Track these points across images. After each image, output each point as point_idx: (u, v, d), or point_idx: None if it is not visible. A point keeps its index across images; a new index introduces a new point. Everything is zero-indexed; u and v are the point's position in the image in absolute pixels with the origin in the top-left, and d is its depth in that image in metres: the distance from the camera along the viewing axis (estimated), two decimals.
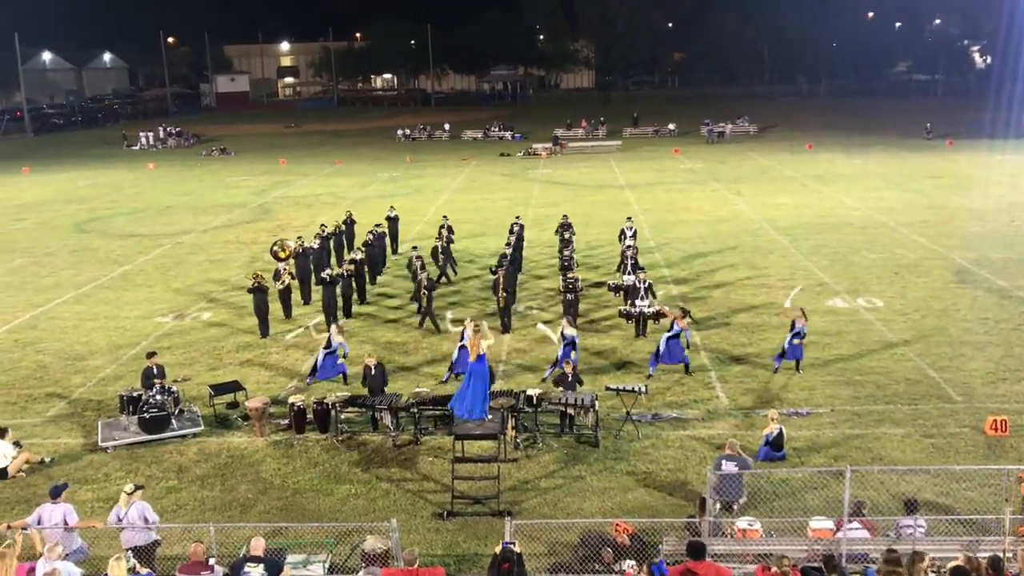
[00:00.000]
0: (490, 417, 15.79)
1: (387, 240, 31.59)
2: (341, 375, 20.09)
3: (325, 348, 19.89)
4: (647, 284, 23.43)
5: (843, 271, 28.52)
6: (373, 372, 18.58)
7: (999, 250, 30.28)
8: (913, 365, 20.27)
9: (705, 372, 20.32)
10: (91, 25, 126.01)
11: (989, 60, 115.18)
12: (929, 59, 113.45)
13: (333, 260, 29.20)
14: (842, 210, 38.22)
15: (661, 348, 20.04)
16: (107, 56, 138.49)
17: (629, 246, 27.62)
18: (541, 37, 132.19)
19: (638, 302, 22.91)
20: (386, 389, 18.70)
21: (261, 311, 23.81)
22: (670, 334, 20.03)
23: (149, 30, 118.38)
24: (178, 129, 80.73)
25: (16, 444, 16.66)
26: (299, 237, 25.46)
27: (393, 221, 33.30)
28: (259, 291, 23.63)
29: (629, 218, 31.43)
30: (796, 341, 20.00)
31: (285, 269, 25.25)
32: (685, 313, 20.92)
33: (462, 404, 15.98)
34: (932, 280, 26.94)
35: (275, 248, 26.26)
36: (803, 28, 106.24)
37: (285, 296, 25.07)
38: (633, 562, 12.30)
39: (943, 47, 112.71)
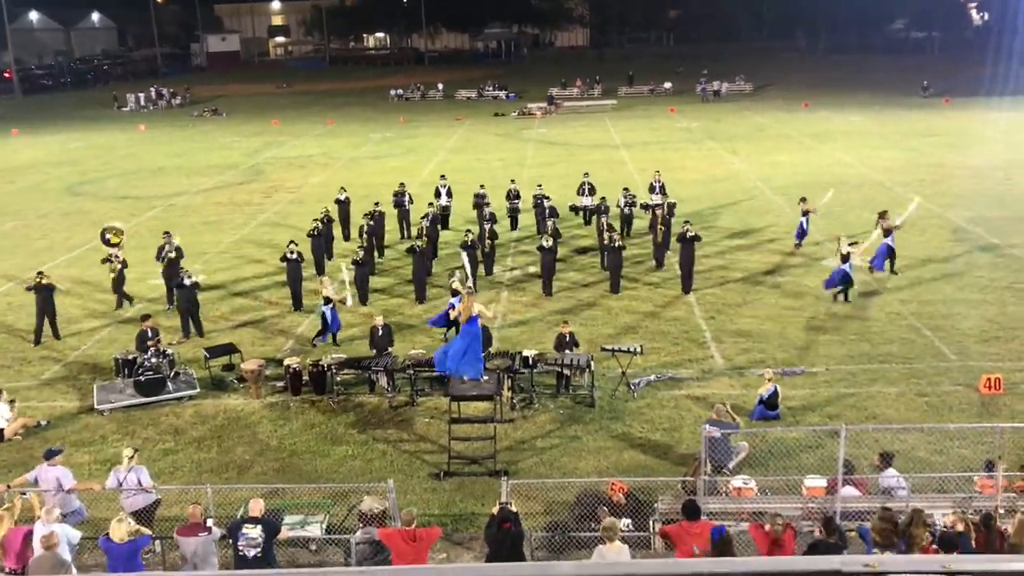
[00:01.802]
0: (486, 378, 15.81)
1: (334, 228, 27.86)
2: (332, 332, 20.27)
3: (325, 303, 19.88)
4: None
5: (839, 230, 28.34)
6: (380, 332, 18.59)
7: (994, 208, 30.23)
8: (907, 324, 20.31)
9: (699, 332, 20.35)
10: None
11: (987, 17, 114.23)
12: (926, 16, 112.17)
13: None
14: (838, 168, 38.06)
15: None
16: (96, 16, 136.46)
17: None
18: None
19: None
20: (391, 349, 18.74)
21: (47, 311, 21.13)
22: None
23: None
24: (172, 90, 79.83)
25: (11, 402, 16.67)
26: (292, 241, 23.44)
27: (343, 205, 29.37)
28: (43, 290, 20.98)
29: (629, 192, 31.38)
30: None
31: (117, 256, 23.16)
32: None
33: (445, 360, 15.73)
34: (928, 239, 26.91)
35: (107, 234, 23.76)
36: None
37: (119, 285, 23.22)
38: (629, 520, 12.41)
39: (941, 4, 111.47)
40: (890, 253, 23.60)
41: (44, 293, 20.99)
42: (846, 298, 21.80)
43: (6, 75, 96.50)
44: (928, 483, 13.15)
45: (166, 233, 24.21)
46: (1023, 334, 19.52)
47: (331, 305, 19.90)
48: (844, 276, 21.60)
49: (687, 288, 22.80)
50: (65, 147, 53.95)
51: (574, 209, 30.03)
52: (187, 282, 21.05)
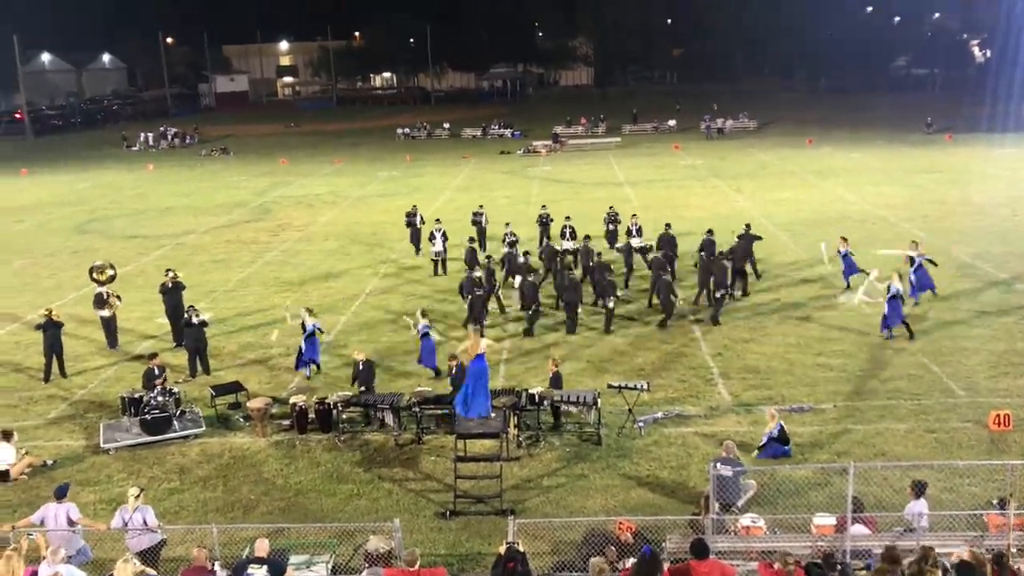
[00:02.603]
0: (493, 415, 15.76)
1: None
2: (312, 361, 20.71)
3: (304, 334, 20.49)
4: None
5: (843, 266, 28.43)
6: (361, 367, 18.62)
7: (1000, 244, 30.22)
8: (915, 360, 20.24)
9: (707, 368, 20.30)
10: (90, 26, 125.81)
11: (988, 54, 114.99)
12: (928, 53, 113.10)
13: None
14: (842, 204, 38.17)
15: (886, 310, 21.44)
16: (106, 57, 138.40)
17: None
18: (540, 34, 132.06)
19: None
20: (375, 385, 18.74)
21: (55, 349, 21.07)
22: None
23: (148, 31, 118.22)
24: (180, 130, 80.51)
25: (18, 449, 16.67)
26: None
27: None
28: (51, 327, 21.13)
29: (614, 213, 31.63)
30: (916, 271, 23.50)
31: (111, 293, 23.13)
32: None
33: (464, 404, 15.86)
34: (934, 274, 26.76)
35: (93, 273, 23.67)
36: (803, 23, 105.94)
37: (110, 325, 23.19)
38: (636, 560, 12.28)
39: (942, 41, 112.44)
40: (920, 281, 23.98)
41: (52, 330, 21.05)
42: (910, 334, 21.52)
43: (18, 116, 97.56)
44: (939, 521, 13.03)
45: (169, 270, 24.30)
46: None
47: (313, 337, 20.50)
48: (894, 311, 21.36)
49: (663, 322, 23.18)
50: (74, 187, 54.38)
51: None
52: (195, 320, 21.08)
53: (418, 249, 31.71)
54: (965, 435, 16.53)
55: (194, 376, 20.72)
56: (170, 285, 23.48)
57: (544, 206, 33.30)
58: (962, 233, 32.03)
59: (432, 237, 29.62)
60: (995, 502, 13.17)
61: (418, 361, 20.28)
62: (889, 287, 21.34)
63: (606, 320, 23.08)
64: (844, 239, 26.17)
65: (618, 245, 29.38)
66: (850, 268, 25.56)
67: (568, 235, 29.48)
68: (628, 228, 29.37)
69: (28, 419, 18.96)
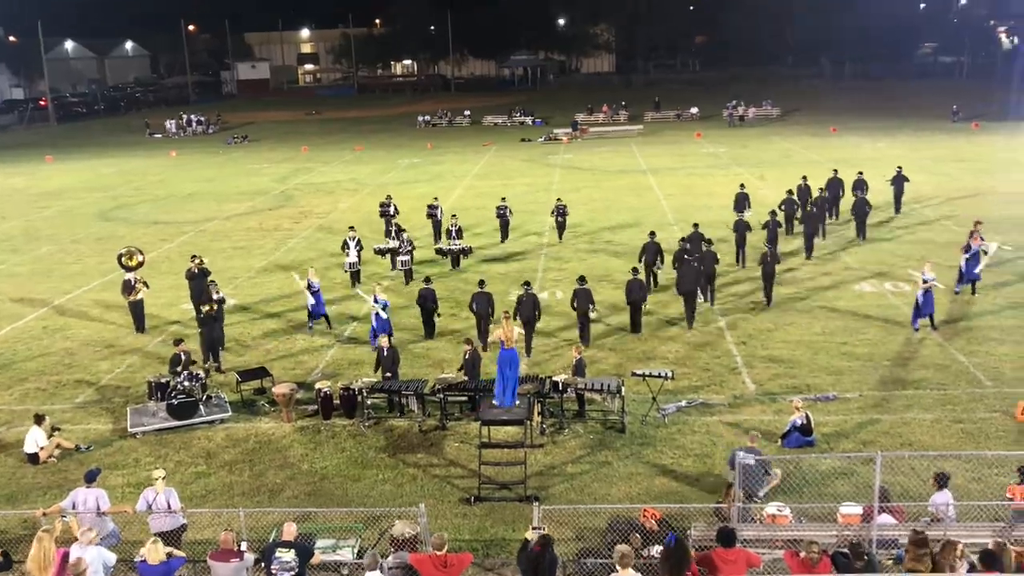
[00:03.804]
0: (517, 403, 15.79)
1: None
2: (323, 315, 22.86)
3: (311, 291, 22.56)
4: None
5: (869, 255, 28.28)
6: (386, 353, 18.66)
7: None
8: (941, 350, 20.08)
9: (731, 357, 20.23)
10: (113, 13, 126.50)
11: (1016, 41, 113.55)
12: (955, 40, 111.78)
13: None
14: (868, 194, 37.72)
15: (920, 300, 21.08)
16: (129, 44, 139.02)
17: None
18: (561, 21, 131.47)
19: None
20: (399, 371, 18.78)
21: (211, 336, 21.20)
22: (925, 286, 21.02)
23: (170, 18, 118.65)
24: (202, 117, 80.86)
25: (55, 429, 16.86)
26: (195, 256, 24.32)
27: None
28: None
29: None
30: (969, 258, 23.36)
31: (138, 279, 23.30)
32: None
33: (503, 393, 15.89)
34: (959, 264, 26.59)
35: (122, 259, 23.87)
36: (827, 10, 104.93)
37: (138, 309, 23.40)
38: (661, 547, 12.27)
39: (969, 28, 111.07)
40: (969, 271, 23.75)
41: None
42: (932, 325, 21.33)
43: (41, 103, 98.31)
44: (967, 511, 12.94)
45: (195, 256, 24.45)
46: None
47: (318, 293, 22.63)
48: (928, 301, 21.15)
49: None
50: (97, 173, 54.78)
51: (440, 252, 29.08)
52: (215, 296, 21.44)
53: (438, 239, 31.10)
54: (992, 425, 16.40)
55: (220, 370, 20.63)
56: (196, 271, 23.64)
57: (560, 199, 33.02)
58: (989, 221, 31.59)
59: (449, 234, 29.31)
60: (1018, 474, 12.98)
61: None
62: (925, 277, 21.07)
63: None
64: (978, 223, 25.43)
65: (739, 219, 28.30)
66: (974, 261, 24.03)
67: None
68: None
69: (56, 403, 19.16)
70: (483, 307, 21.18)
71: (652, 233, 25.84)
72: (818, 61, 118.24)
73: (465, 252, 28.72)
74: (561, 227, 31.69)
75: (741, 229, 27.53)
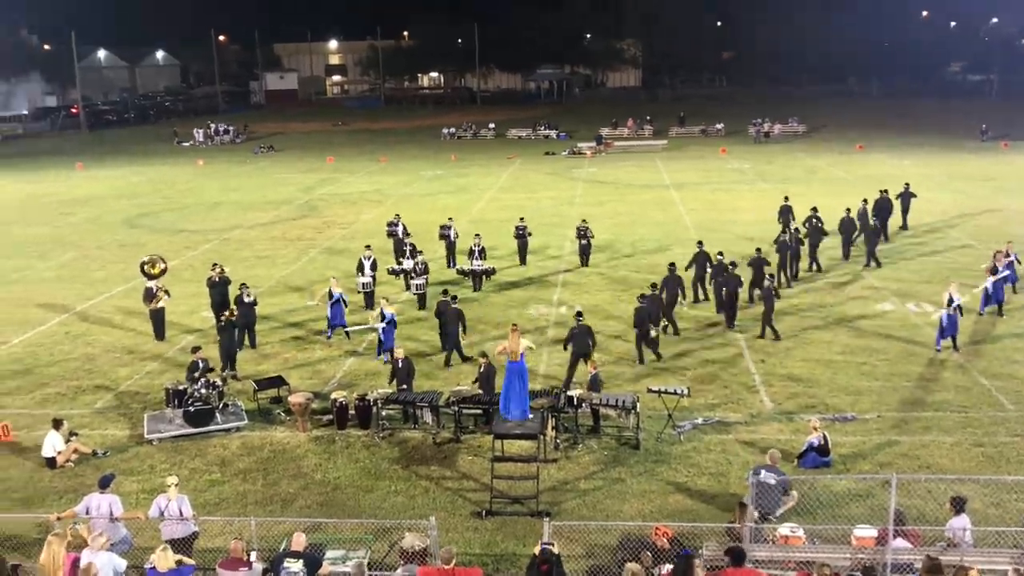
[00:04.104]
0: (531, 417, 15.74)
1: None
2: (342, 327, 23.16)
3: (331, 301, 22.98)
4: None
5: (892, 274, 28.02)
6: (400, 365, 18.69)
7: None
8: (963, 372, 19.82)
9: (749, 375, 20.07)
10: (144, 23, 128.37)
11: None
12: (984, 59, 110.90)
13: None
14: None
15: (944, 321, 20.82)
16: (160, 54, 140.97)
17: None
18: (587, 36, 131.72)
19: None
20: (414, 384, 18.79)
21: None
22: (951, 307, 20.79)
23: (201, 28, 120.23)
24: (230, 126, 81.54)
25: (73, 434, 17.01)
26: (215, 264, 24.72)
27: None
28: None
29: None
30: (997, 279, 23.13)
31: (159, 287, 23.43)
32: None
33: (508, 405, 15.84)
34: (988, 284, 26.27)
35: (145, 267, 23.99)
36: (855, 27, 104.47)
37: (158, 317, 23.50)
38: (672, 566, 12.17)
39: (999, 46, 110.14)
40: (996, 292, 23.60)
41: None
42: (955, 347, 21.07)
43: (73, 111, 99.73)
44: (985, 537, 12.73)
45: (215, 265, 24.64)
46: None
47: (338, 304, 22.95)
48: (953, 322, 20.88)
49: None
50: (126, 180, 55.39)
51: (462, 273, 28.12)
52: (247, 299, 22.26)
53: (451, 263, 29.84)
54: (1014, 449, 16.15)
55: (237, 377, 20.64)
56: (217, 279, 23.81)
57: (584, 220, 31.17)
58: (1017, 241, 31.23)
59: (471, 252, 27.66)
60: None
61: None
62: (951, 298, 20.82)
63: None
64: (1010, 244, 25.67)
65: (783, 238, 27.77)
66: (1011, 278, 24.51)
67: (478, 255, 27.52)
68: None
69: (75, 408, 19.34)
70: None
71: (700, 243, 26.19)
72: (845, 78, 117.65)
73: (488, 273, 27.64)
74: (585, 251, 29.98)
75: (784, 249, 27.02)
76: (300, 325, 24.68)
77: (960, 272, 27.19)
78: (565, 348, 19.93)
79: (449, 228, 30.41)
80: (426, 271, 26.29)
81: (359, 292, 25.91)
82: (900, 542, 12.24)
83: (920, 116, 79.78)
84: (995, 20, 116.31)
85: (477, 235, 28.56)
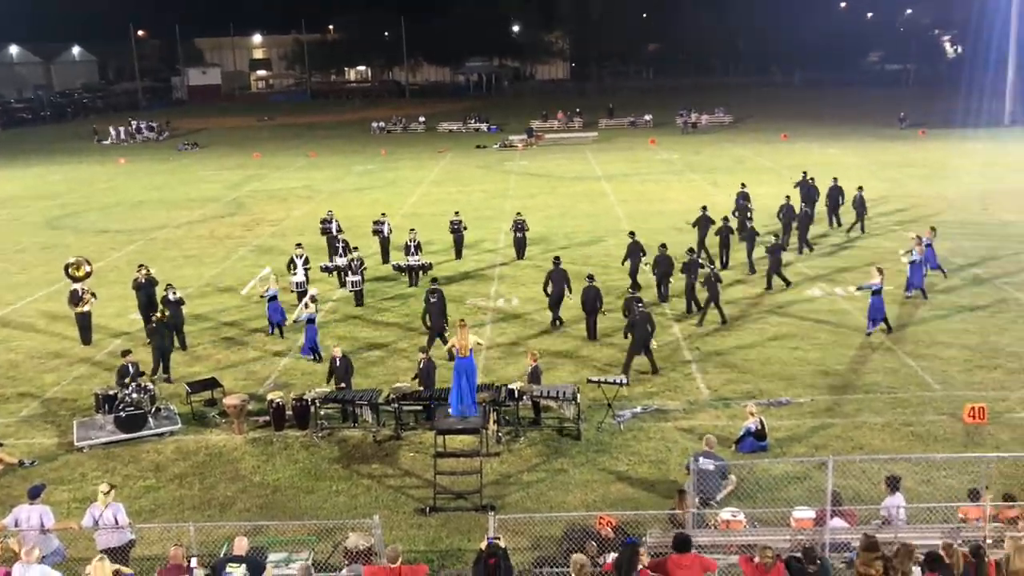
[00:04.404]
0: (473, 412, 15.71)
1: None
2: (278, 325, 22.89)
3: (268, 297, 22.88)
4: None
5: (819, 260, 28.67)
6: (338, 363, 18.49)
7: (973, 239, 30.53)
8: (891, 354, 20.39)
9: (686, 364, 20.33)
10: (60, 18, 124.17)
11: (960, 49, 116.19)
12: (901, 49, 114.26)
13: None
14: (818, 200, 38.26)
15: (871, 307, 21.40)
16: (76, 49, 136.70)
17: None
18: (516, 28, 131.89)
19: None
20: (353, 381, 18.62)
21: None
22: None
23: (119, 23, 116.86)
24: (152, 123, 79.58)
25: None
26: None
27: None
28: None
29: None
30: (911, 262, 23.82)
31: (85, 290, 22.80)
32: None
33: (456, 402, 15.78)
34: (907, 269, 27.05)
35: (69, 269, 23.20)
36: (777, 18, 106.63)
37: (85, 320, 22.85)
38: (617, 555, 12.27)
39: (915, 37, 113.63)
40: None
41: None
42: (888, 328, 21.67)
43: None
44: (917, 514, 13.11)
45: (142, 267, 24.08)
46: (1005, 363, 19.63)
47: (274, 301, 22.76)
48: (877, 306, 21.35)
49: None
50: (44, 180, 53.66)
51: (398, 268, 27.93)
52: (172, 298, 21.56)
53: (386, 260, 29.60)
54: (941, 428, 16.67)
55: (170, 380, 20.22)
56: (143, 281, 23.23)
57: (519, 213, 31.28)
58: (936, 227, 32.23)
59: (407, 248, 27.45)
60: (968, 494, 13.25)
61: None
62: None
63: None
64: (932, 229, 26.64)
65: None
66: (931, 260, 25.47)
67: (414, 250, 27.44)
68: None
69: None
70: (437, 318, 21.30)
71: (632, 233, 26.51)
72: (768, 69, 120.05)
73: (425, 268, 27.42)
74: (521, 244, 30.17)
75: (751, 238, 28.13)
76: (232, 325, 24.23)
77: (885, 256, 27.98)
78: (625, 336, 20.10)
79: (383, 224, 30.12)
80: (363, 268, 26.03)
81: (292, 291, 25.16)
82: (837, 522, 12.54)
83: (841, 105, 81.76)
84: (909, 11, 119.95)
85: (412, 230, 28.29)
